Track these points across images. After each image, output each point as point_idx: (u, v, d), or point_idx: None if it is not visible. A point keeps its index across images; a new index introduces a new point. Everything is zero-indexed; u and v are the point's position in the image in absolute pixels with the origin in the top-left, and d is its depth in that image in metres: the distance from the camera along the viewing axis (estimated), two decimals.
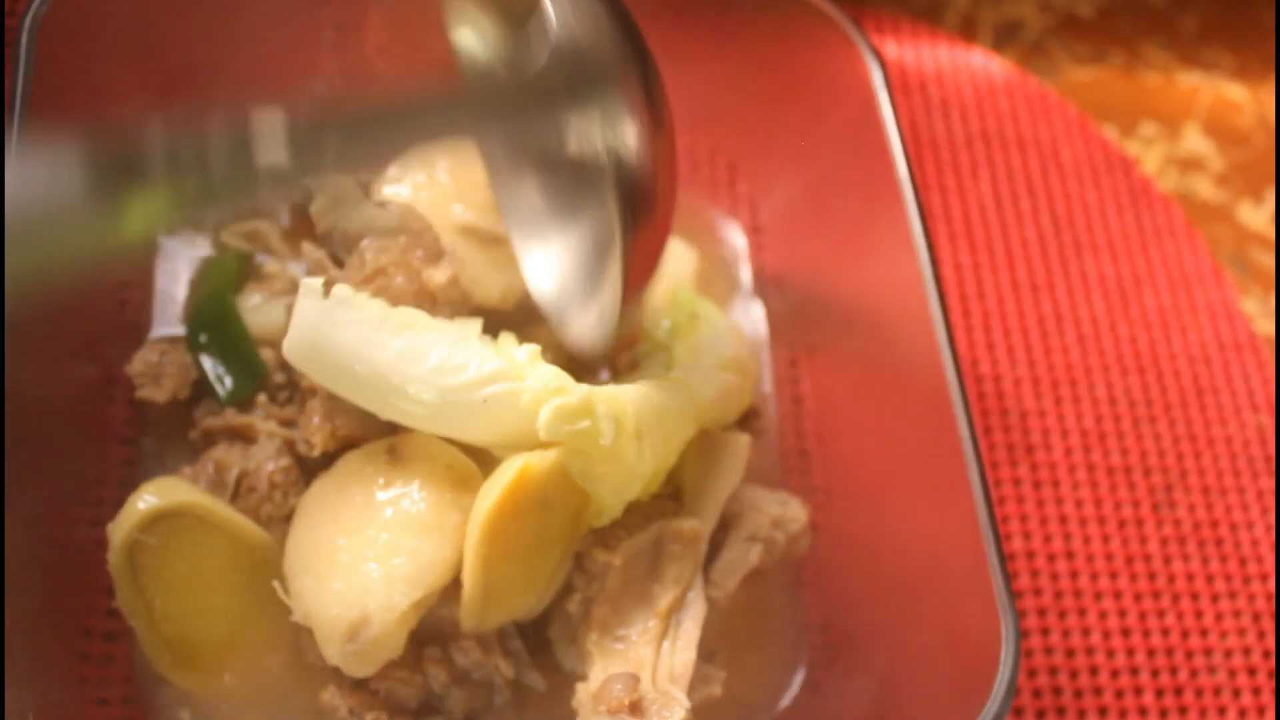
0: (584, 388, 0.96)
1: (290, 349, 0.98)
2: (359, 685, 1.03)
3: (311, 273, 1.10)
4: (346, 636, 0.97)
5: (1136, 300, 1.47)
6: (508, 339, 1.00)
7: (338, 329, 0.96)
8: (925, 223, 1.12)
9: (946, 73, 1.57)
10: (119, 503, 1.04)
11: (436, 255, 1.08)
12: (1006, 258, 1.47)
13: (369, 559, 0.98)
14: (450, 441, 1.02)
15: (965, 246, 1.47)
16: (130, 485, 1.10)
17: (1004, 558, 1.01)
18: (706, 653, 1.06)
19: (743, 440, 1.09)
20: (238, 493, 1.07)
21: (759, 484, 1.16)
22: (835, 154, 1.25)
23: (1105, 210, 1.52)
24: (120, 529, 1.02)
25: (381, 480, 1.02)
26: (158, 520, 1.03)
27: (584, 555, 1.03)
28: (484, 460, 1.05)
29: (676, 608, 1.02)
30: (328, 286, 0.97)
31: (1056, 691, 1.26)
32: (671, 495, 1.08)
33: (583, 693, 0.99)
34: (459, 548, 0.99)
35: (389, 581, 0.97)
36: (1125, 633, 1.30)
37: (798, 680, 1.15)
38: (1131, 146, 1.62)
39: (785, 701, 1.14)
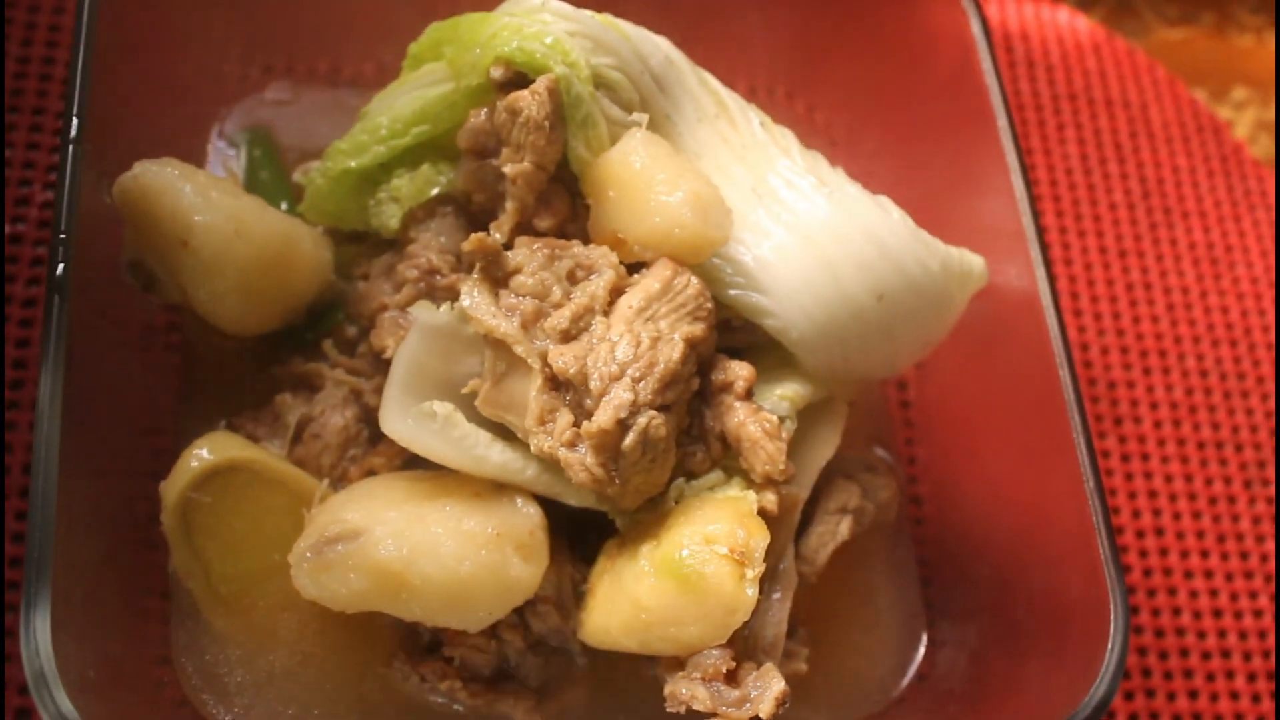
0: None
1: None
2: (431, 652, 0.98)
3: None
4: None
5: (1227, 269, 1.41)
6: None
7: None
8: (1027, 176, 1.06)
9: (1031, 29, 1.50)
10: (174, 453, 0.98)
11: None
12: (1094, 222, 1.41)
13: None
14: None
15: (1050, 209, 1.41)
16: (187, 434, 1.05)
17: (1113, 532, 0.95)
18: (790, 628, 1.01)
19: (841, 407, 1.03)
20: (299, 438, 1.02)
21: (853, 449, 1.11)
22: (928, 105, 1.19)
23: (1196, 175, 1.46)
24: (173, 488, 0.96)
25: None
26: (212, 477, 0.97)
27: None
28: None
29: (768, 578, 0.97)
30: None
31: (1145, 672, 1.21)
32: None
33: (671, 660, 0.93)
34: None
35: None
36: (1216, 613, 1.24)
37: (896, 658, 1.10)
38: (1223, 111, 1.56)
39: (880, 681, 1.09)
